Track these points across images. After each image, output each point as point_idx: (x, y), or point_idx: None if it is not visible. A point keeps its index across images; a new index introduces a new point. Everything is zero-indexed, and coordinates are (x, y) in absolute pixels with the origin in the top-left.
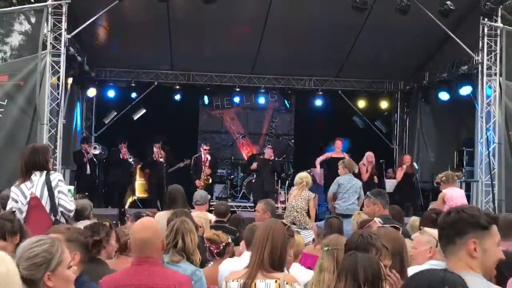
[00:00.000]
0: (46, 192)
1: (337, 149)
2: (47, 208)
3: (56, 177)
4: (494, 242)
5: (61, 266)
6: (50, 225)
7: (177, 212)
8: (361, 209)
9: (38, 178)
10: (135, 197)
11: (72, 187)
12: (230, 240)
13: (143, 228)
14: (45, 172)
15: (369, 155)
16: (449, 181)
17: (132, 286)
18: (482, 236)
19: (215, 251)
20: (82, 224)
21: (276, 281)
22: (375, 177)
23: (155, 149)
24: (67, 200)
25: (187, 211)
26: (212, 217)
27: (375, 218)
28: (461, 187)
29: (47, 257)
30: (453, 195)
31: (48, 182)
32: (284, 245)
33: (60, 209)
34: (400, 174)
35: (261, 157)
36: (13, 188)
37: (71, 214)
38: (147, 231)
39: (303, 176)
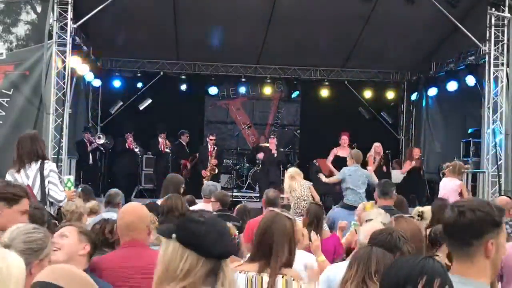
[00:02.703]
0: (38, 182)
1: (343, 143)
2: (38, 198)
3: (48, 167)
4: (504, 237)
5: (47, 257)
6: None
7: (171, 197)
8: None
9: (32, 167)
10: (141, 187)
11: (72, 177)
12: (237, 233)
13: (126, 212)
14: (39, 161)
15: (377, 146)
16: (453, 172)
17: (124, 269)
18: (497, 234)
19: None
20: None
21: (283, 277)
22: (384, 167)
23: (160, 140)
24: (57, 190)
25: (181, 196)
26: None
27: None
28: (467, 178)
29: (42, 245)
30: (444, 186)
31: (41, 171)
32: (290, 239)
33: (49, 199)
34: (407, 167)
35: (267, 146)
36: (8, 175)
37: (61, 204)
38: (131, 215)
39: (289, 170)
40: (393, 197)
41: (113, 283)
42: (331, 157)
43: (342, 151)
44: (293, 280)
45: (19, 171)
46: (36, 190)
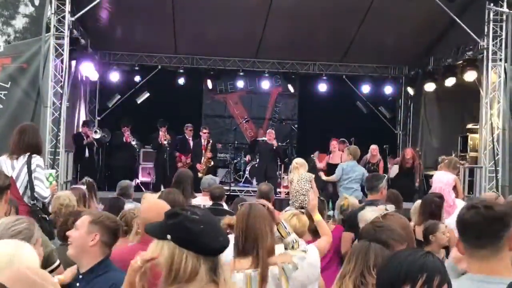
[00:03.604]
0: (23, 175)
1: (333, 149)
2: (21, 190)
3: (35, 161)
4: None
5: (38, 242)
6: (20, 207)
7: (172, 192)
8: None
9: (20, 159)
10: (138, 181)
11: (54, 171)
12: None
13: (149, 208)
14: (27, 154)
15: (373, 149)
16: (448, 166)
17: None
18: None
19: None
20: None
21: (276, 266)
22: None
23: (160, 133)
24: (42, 186)
25: (177, 191)
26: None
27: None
28: (464, 173)
29: (29, 234)
30: (439, 179)
31: (28, 165)
32: (270, 223)
33: (35, 195)
34: (395, 168)
35: (263, 141)
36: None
37: (46, 200)
38: (152, 211)
39: (294, 160)
40: (381, 191)
41: None
42: (323, 164)
43: (333, 158)
44: (289, 264)
45: (11, 160)
46: (19, 183)
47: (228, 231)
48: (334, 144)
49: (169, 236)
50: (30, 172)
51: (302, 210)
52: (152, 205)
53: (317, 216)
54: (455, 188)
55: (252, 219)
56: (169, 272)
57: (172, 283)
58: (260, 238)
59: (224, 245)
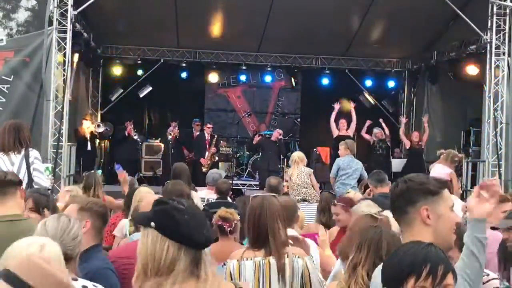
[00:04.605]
0: (23, 168)
1: (342, 127)
2: (24, 184)
3: (33, 154)
4: (447, 206)
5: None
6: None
7: (180, 183)
8: (365, 190)
9: (17, 154)
10: (141, 174)
11: (50, 165)
12: (238, 218)
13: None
14: (23, 148)
15: (379, 133)
16: (446, 159)
17: (124, 259)
18: (433, 202)
19: (229, 229)
20: None
21: (287, 256)
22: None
23: (171, 127)
24: (42, 177)
25: (181, 182)
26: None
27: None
28: (467, 167)
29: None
30: (437, 172)
31: (26, 158)
32: (282, 215)
33: (35, 186)
34: (407, 142)
35: (267, 136)
36: None
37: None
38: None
39: (294, 154)
40: (389, 184)
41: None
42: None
43: (342, 134)
44: (298, 257)
45: (8, 155)
46: (22, 176)
47: (220, 223)
48: (343, 122)
49: (153, 224)
50: (28, 165)
51: (305, 203)
52: (145, 204)
53: (327, 251)
54: (451, 182)
55: (265, 213)
56: (152, 262)
57: (152, 275)
58: (272, 233)
59: (208, 238)
